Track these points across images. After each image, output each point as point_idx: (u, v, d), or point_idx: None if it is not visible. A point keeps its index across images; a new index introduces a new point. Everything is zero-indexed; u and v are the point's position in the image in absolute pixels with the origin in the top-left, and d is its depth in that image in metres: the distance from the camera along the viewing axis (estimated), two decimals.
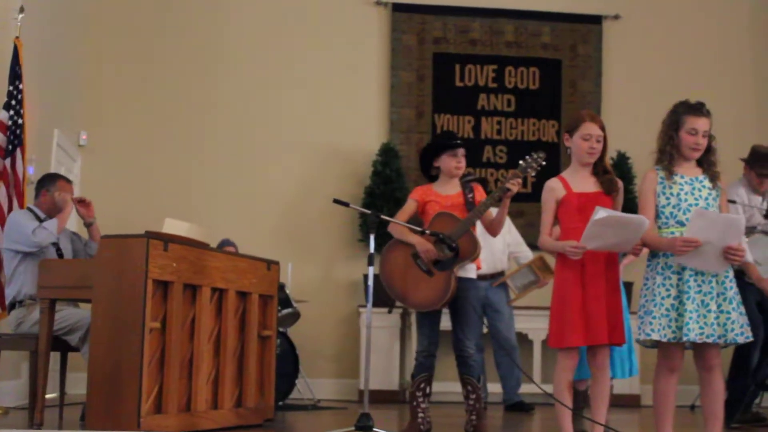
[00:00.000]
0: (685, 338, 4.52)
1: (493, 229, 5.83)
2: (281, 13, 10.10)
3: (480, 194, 5.85)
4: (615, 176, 4.94)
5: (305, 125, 9.95)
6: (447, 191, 5.84)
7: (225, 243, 8.21)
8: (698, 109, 4.70)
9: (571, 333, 4.71)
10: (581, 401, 5.88)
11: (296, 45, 10.06)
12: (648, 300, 4.65)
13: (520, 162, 5.59)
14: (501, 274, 8.16)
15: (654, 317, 4.58)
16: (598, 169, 4.90)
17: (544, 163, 5.59)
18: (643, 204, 4.73)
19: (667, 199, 4.67)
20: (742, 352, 6.68)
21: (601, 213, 4.57)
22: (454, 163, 5.84)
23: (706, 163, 4.74)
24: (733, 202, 6.69)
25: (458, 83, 10.20)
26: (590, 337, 4.72)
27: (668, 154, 4.71)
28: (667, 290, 4.60)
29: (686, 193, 4.66)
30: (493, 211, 5.80)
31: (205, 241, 5.92)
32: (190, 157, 9.78)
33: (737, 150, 7.17)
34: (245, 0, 10.07)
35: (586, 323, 4.71)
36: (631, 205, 5.02)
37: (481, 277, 6.15)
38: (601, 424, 4.80)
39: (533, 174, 5.69)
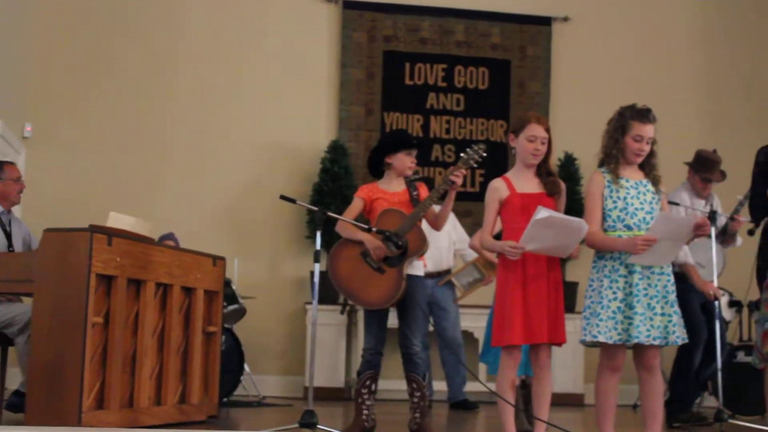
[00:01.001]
0: (635, 340, 4.58)
1: (437, 223, 5.83)
2: (231, 8, 10.04)
3: (425, 192, 5.86)
4: (558, 178, 4.98)
5: (254, 121, 9.91)
6: (393, 188, 5.84)
7: (166, 237, 8.06)
8: (645, 115, 4.73)
9: (510, 331, 4.74)
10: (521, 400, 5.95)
11: (246, 41, 10.01)
12: (594, 302, 4.69)
13: (462, 154, 5.59)
14: (447, 272, 8.17)
15: (601, 319, 4.62)
16: (542, 171, 4.93)
17: (485, 154, 5.59)
18: (591, 205, 4.76)
19: (614, 202, 4.72)
20: (684, 352, 6.75)
21: (542, 213, 4.59)
22: (408, 162, 5.85)
23: (648, 166, 4.81)
24: (676, 204, 6.76)
25: (408, 82, 10.22)
26: (530, 335, 4.75)
27: (614, 157, 4.75)
28: (614, 293, 4.65)
29: (632, 197, 4.71)
30: (437, 207, 5.81)
31: (150, 236, 5.86)
32: (136, 151, 9.68)
33: (683, 154, 7.24)
34: None
35: (527, 322, 4.73)
36: (577, 206, 5.04)
37: (427, 275, 6.15)
38: (545, 422, 4.84)
39: (475, 165, 5.68)
